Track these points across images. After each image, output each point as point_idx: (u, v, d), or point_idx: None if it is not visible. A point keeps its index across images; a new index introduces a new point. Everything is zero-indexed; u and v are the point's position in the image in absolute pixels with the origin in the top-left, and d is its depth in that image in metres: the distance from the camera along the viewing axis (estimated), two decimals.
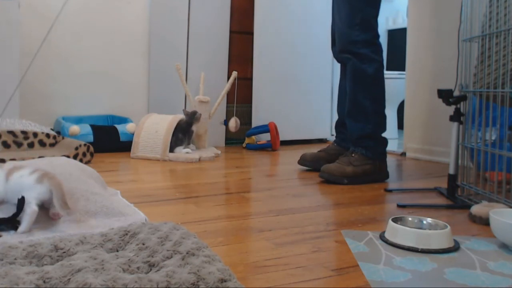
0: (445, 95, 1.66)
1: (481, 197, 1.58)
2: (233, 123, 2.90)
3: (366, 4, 1.98)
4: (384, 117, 2.05)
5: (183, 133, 2.53)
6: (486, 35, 1.59)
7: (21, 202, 1.13)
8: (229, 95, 3.10)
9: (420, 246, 1.13)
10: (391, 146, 2.60)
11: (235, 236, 1.22)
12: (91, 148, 2.26)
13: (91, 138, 2.55)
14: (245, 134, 3.08)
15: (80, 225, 1.19)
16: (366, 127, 2.01)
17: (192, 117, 2.55)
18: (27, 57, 2.66)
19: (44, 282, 0.79)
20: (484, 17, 1.61)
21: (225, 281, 0.82)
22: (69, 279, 0.80)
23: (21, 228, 1.11)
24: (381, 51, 2.04)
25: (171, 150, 2.48)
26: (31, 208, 1.13)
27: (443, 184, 1.85)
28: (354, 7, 1.98)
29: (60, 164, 1.38)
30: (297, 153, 2.64)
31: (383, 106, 2.05)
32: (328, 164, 2.00)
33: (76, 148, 2.17)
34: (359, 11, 1.97)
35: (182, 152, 2.49)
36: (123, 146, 2.63)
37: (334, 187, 1.88)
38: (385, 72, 2.09)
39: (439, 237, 1.14)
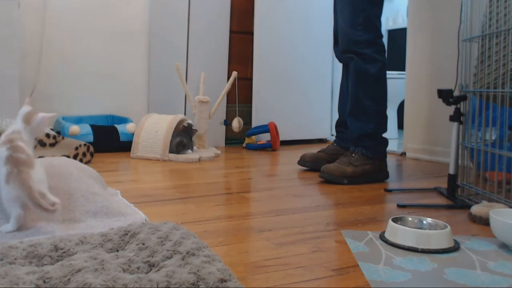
0: (445, 95, 1.66)
1: (481, 197, 1.58)
2: (236, 123, 2.90)
3: (368, 4, 1.98)
4: (385, 117, 2.05)
5: (187, 137, 2.52)
6: (486, 35, 1.59)
7: None
8: (230, 95, 3.10)
9: (420, 246, 1.13)
10: (391, 146, 2.60)
11: (235, 236, 1.22)
12: (91, 148, 2.26)
13: (91, 138, 2.55)
14: (245, 134, 3.08)
15: (80, 225, 1.19)
16: (367, 126, 2.01)
17: (189, 131, 2.55)
18: (27, 57, 2.67)
19: (44, 282, 0.79)
20: (484, 17, 1.61)
21: (225, 281, 0.82)
22: (69, 279, 0.80)
23: (8, 227, 1.10)
24: (384, 51, 2.04)
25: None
26: (16, 212, 1.09)
27: (443, 184, 1.85)
28: (357, 6, 1.97)
29: (60, 164, 1.38)
30: (297, 153, 2.64)
31: (384, 106, 2.05)
32: (328, 164, 2.00)
33: (76, 148, 2.17)
34: (361, 10, 1.97)
35: (188, 153, 2.49)
36: (123, 146, 2.63)
37: (334, 187, 1.88)
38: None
39: (439, 237, 1.14)
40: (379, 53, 2.01)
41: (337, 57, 2.22)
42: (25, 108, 1.23)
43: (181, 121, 2.55)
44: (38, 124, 1.21)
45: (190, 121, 2.57)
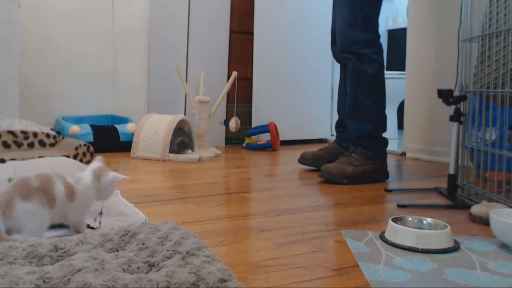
0: (445, 95, 1.66)
1: (481, 197, 1.58)
2: (233, 123, 2.90)
3: (368, 3, 1.97)
4: (385, 117, 2.05)
5: (189, 137, 2.52)
6: (486, 35, 1.59)
7: None
8: (229, 95, 3.10)
9: (420, 246, 1.13)
10: (391, 146, 2.60)
11: (235, 236, 1.22)
12: (91, 148, 2.26)
13: (91, 138, 2.55)
14: (245, 134, 3.08)
15: None
16: (366, 126, 2.01)
17: (188, 131, 2.56)
18: (27, 57, 2.67)
19: (44, 282, 0.79)
20: (484, 17, 1.61)
21: (225, 281, 0.82)
22: (69, 279, 0.80)
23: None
24: (382, 51, 2.04)
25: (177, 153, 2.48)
26: None
27: (443, 184, 1.85)
28: (356, 6, 1.97)
29: (60, 164, 1.38)
30: (297, 153, 2.64)
31: (383, 106, 2.05)
32: (328, 164, 2.00)
33: (76, 148, 2.17)
34: (361, 10, 1.97)
35: (188, 152, 2.50)
36: (123, 146, 2.63)
37: (334, 187, 1.88)
38: (385, 72, 2.09)
39: (439, 237, 1.14)
40: (377, 53, 2.01)
41: (334, 57, 2.21)
42: (97, 163, 1.14)
43: (181, 121, 2.55)
44: (107, 184, 1.12)
45: (185, 128, 2.58)
